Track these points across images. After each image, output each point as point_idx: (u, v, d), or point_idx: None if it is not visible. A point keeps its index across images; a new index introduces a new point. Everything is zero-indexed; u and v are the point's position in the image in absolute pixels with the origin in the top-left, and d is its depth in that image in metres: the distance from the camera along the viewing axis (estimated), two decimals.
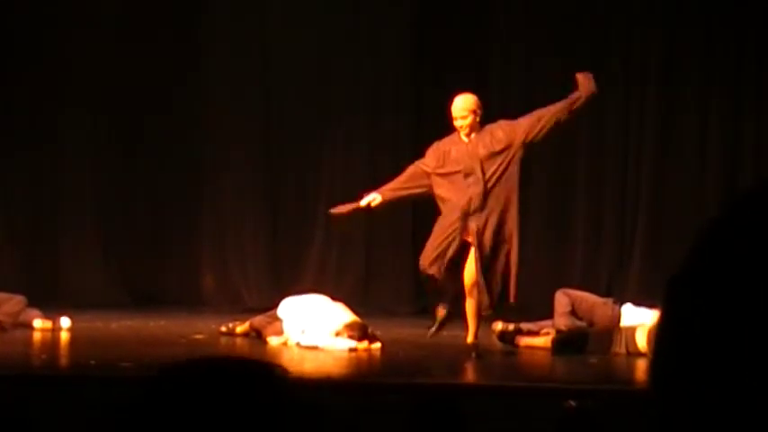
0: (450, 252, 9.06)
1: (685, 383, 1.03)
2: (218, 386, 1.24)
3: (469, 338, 9.13)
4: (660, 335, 1.07)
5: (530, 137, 9.12)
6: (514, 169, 9.11)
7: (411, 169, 9.37)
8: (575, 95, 9.23)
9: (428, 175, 9.22)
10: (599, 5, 12.20)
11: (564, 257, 12.15)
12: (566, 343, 9.63)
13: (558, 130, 9.28)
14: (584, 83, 9.22)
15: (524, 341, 9.87)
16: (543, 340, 9.82)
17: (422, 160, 9.32)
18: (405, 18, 12.30)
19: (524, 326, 10.17)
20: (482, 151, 9.09)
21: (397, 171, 12.33)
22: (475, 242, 9.00)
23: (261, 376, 1.26)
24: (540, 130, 9.15)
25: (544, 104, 11.76)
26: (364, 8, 12.33)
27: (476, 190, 9.04)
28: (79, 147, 12.30)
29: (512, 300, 9.16)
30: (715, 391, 1.00)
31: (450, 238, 9.08)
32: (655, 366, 1.06)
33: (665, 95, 12.10)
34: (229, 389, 1.24)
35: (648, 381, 1.07)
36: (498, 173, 9.08)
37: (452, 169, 9.13)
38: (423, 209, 11.99)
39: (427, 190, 9.26)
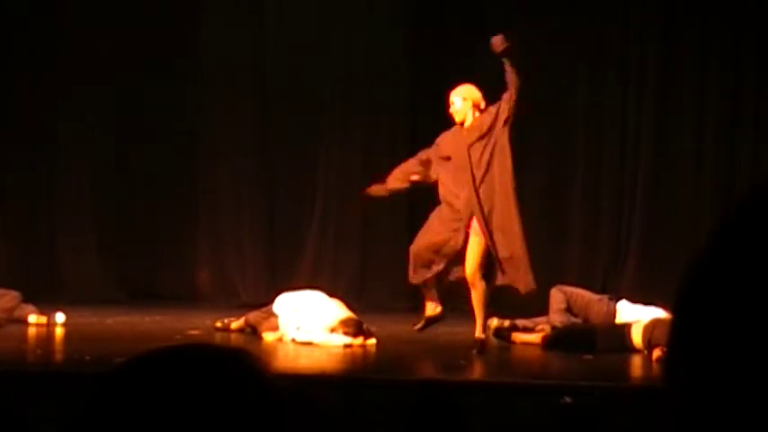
0: (452, 243, 9.11)
1: (701, 380, 1.02)
2: (184, 377, 1.23)
3: (477, 332, 9.12)
4: (675, 328, 1.06)
5: (506, 116, 9.09)
6: (502, 152, 9.09)
7: (420, 153, 9.47)
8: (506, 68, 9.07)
9: (431, 159, 9.25)
10: (597, 5, 12.18)
11: (560, 254, 12.15)
12: (557, 341, 9.63)
13: (522, 95, 9.20)
14: (497, 44, 9.10)
15: (520, 337, 9.87)
16: (538, 337, 9.83)
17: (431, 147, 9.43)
18: (403, 17, 12.29)
19: (520, 322, 10.17)
20: (470, 139, 9.11)
21: (392, 167, 12.37)
22: (479, 231, 9.03)
23: (232, 365, 1.25)
24: (511, 107, 9.09)
25: (544, 104, 11.81)
26: (362, 7, 12.32)
27: (465, 177, 9.06)
28: (76, 143, 12.29)
29: (523, 290, 9.18)
30: (732, 388, 0.99)
31: (451, 229, 9.13)
32: (669, 363, 1.06)
33: (663, 94, 12.09)
34: (196, 379, 1.22)
35: (663, 377, 1.07)
36: (485, 158, 9.07)
37: (445, 154, 9.18)
38: (418, 204, 12.01)
39: (429, 172, 9.28)
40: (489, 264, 9.13)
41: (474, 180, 9.07)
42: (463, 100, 9.18)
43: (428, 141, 9.65)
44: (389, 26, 12.29)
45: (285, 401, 1.23)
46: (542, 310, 10.36)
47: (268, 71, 12.45)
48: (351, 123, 12.44)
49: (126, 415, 1.19)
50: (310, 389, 7.24)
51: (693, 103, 12.07)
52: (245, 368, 1.23)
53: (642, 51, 12.13)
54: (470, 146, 9.11)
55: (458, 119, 9.21)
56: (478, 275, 9.05)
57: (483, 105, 9.21)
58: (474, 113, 9.20)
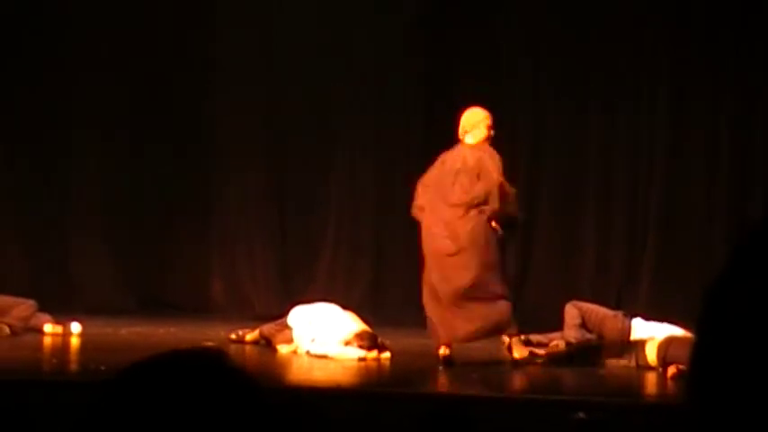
0: None
1: (723, 398, 1.03)
2: (171, 384, 1.25)
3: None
4: (698, 345, 1.07)
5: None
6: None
7: None
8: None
9: None
10: (608, 7, 12.17)
11: (574, 270, 12.14)
12: (563, 360, 9.64)
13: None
14: None
15: (534, 353, 9.85)
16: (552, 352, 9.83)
17: None
18: (414, 20, 12.27)
19: (534, 337, 10.16)
20: None
21: (406, 175, 12.37)
22: None
23: (215, 370, 1.27)
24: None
25: (553, 104, 11.80)
26: (373, 11, 12.32)
27: None
28: (89, 152, 12.32)
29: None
30: (754, 403, 1.00)
31: None
32: (691, 382, 1.07)
33: (676, 106, 12.08)
34: (183, 386, 1.25)
35: (686, 394, 1.08)
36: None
37: None
38: None
39: None
40: None
41: None
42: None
43: (441, 147, 9.61)
44: (402, 31, 12.26)
45: (269, 403, 1.26)
46: (557, 325, 10.35)
47: (280, 79, 12.45)
48: (363, 130, 12.44)
49: (116, 421, 1.22)
50: (324, 401, 7.25)
51: (706, 120, 12.04)
52: (229, 373, 1.26)
53: (654, 52, 12.10)
54: None
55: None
56: None
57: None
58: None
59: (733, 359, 1.02)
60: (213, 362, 1.28)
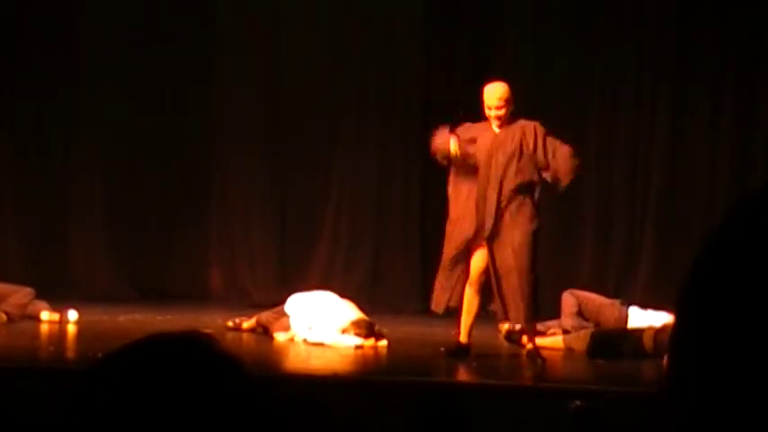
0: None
1: (700, 388, 1.02)
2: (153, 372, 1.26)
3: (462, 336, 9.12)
4: (674, 338, 1.05)
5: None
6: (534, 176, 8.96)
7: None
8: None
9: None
10: (610, 5, 12.17)
11: (572, 258, 12.13)
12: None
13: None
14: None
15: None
16: (550, 341, 9.81)
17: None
18: (415, 18, 12.29)
19: None
20: (509, 146, 9.00)
21: (406, 170, 12.39)
22: (488, 244, 8.91)
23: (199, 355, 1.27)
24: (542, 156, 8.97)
25: (555, 104, 11.77)
26: (375, 8, 12.33)
27: (493, 188, 8.94)
28: (90, 141, 12.31)
29: (513, 325, 9.15)
30: (730, 396, 0.99)
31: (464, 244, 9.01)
32: (670, 371, 1.05)
33: (677, 96, 12.07)
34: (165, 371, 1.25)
35: (663, 385, 1.06)
36: (519, 174, 8.93)
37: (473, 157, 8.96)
38: (432, 207, 12.01)
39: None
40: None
41: (500, 188, 8.85)
42: (506, 103, 9.01)
43: None
44: (404, 28, 12.28)
45: (253, 387, 1.26)
46: (554, 313, 10.36)
47: (282, 70, 12.45)
48: (364, 123, 12.43)
49: (99, 406, 1.22)
50: (321, 390, 7.26)
51: (708, 105, 12.04)
52: (210, 358, 1.26)
53: (656, 51, 12.09)
54: (509, 156, 8.87)
55: (498, 124, 8.97)
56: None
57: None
58: (509, 111, 8.98)
59: (715, 343, 1.01)
60: (193, 346, 1.28)
